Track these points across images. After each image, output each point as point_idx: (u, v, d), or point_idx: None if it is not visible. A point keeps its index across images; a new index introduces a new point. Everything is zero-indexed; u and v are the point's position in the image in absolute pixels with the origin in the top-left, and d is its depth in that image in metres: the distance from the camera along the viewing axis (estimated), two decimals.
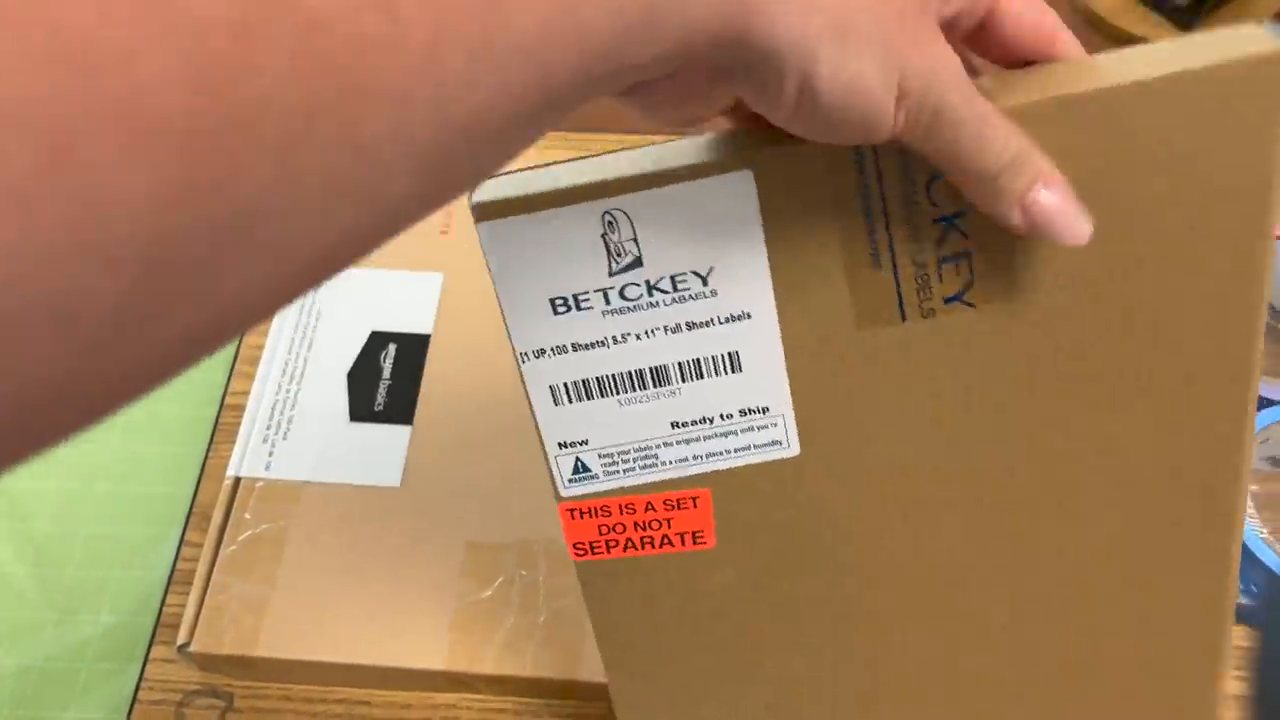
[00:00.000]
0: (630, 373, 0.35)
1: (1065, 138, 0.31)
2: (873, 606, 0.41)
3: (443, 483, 0.55)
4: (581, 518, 0.38)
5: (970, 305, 0.35)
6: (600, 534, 0.38)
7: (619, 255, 0.33)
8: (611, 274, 0.33)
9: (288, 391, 0.59)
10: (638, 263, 0.33)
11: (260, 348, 0.61)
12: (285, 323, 0.61)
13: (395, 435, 0.57)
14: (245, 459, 0.56)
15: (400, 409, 0.58)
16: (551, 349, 0.34)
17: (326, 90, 0.18)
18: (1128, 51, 0.33)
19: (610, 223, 0.32)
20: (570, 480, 0.37)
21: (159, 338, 0.19)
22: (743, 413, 0.36)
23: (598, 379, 0.35)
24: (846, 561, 0.39)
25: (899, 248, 0.34)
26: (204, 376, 0.66)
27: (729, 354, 0.35)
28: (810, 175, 0.32)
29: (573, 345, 0.34)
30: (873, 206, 0.33)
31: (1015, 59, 0.31)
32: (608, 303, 0.34)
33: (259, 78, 0.18)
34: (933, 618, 0.41)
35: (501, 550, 0.53)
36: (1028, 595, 0.40)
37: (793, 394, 0.36)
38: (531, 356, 0.34)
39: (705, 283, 0.34)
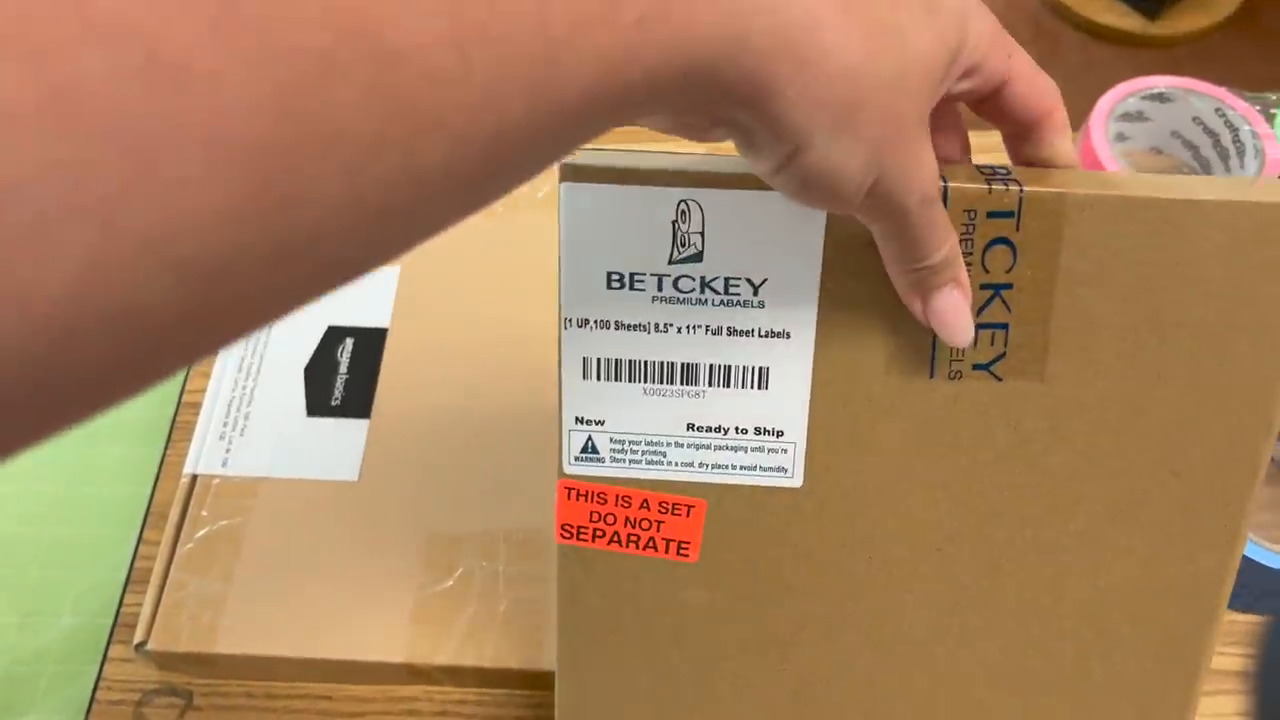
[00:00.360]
0: (662, 363, 0.36)
1: (1117, 238, 0.33)
2: (839, 658, 0.40)
3: (401, 476, 0.55)
4: (577, 499, 0.38)
5: (998, 378, 0.36)
6: (590, 520, 0.38)
7: (683, 245, 0.34)
8: (671, 261, 0.34)
9: (244, 388, 0.58)
10: (698, 257, 0.34)
11: None
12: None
13: (353, 429, 0.57)
14: (202, 456, 0.56)
15: (358, 403, 0.58)
16: (595, 321, 0.35)
17: (395, 122, 0.19)
18: (1189, 178, 0.35)
19: (683, 211, 0.33)
20: (577, 458, 0.37)
21: (206, 342, 0.20)
22: (758, 431, 0.36)
23: (630, 362, 0.36)
24: (820, 608, 0.39)
25: None
26: None
27: (760, 369, 0.35)
28: None
29: (616, 323, 0.35)
30: None
31: (1012, 127, 0.34)
32: (660, 289, 0.34)
33: (338, 108, 0.18)
34: (903, 680, 0.41)
35: (461, 541, 0.53)
36: (1001, 665, 0.40)
37: (809, 425, 0.36)
38: (575, 324, 0.35)
39: (756, 292, 0.34)
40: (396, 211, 0.20)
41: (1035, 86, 0.33)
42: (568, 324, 0.35)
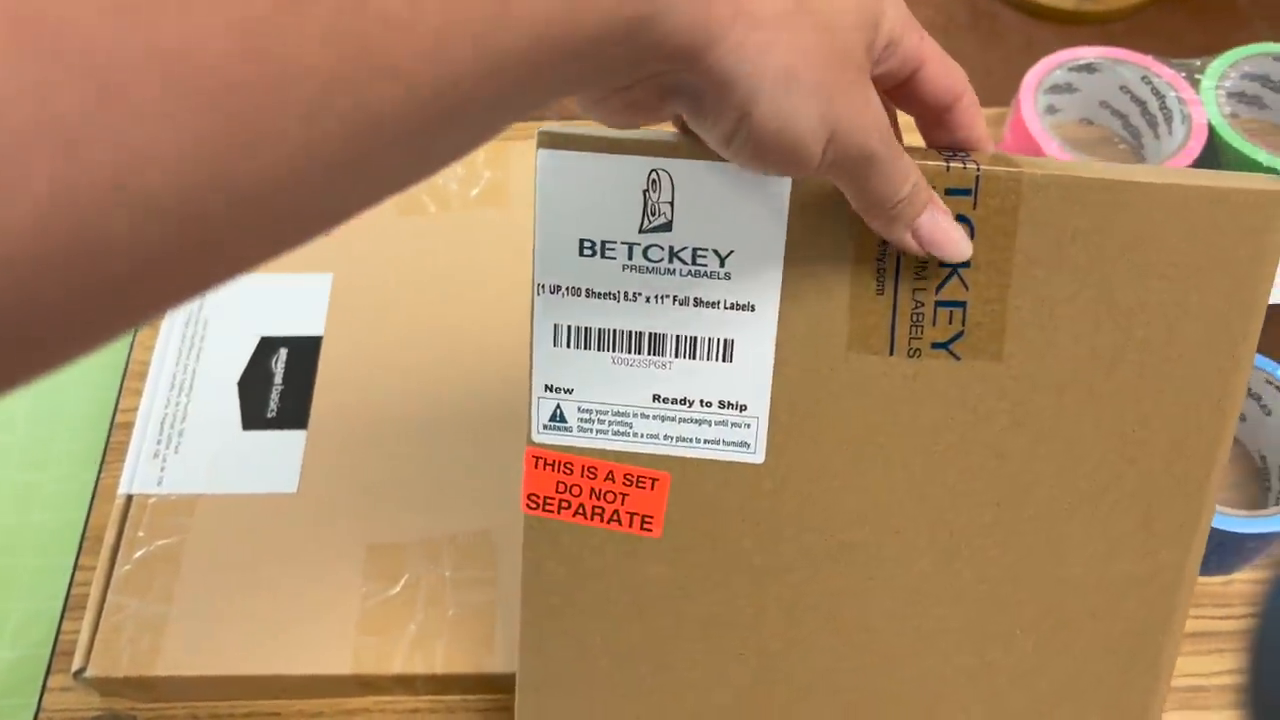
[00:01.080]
0: (630, 333, 0.36)
1: (1072, 219, 0.34)
2: (800, 643, 0.40)
3: (341, 485, 0.54)
4: (545, 468, 0.38)
5: (956, 357, 0.36)
6: (557, 491, 0.38)
7: (653, 214, 0.34)
8: (641, 230, 0.35)
9: (177, 404, 0.57)
10: (667, 226, 0.35)
11: (148, 363, 0.59)
12: (171, 334, 0.60)
13: (290, 441, 0.56)
14: (136, 476, 0.55)
15: (294, 414, 0.57)
16: (567, 288, 0.35)
17: (349, 65, 0.19)
18: (1146, 166, 0.37)
19: (654, 180, 0.34)
20: (545, 426, 0.38)
21: (164, 289, 0.20)
22: (722, 404, 0.37)
23: (599, 331, 0.36)
24: (781, 590, 0.39)
25: (903, 279, 0.35)
26: (94, 396, 0.64)
27: (725, 341, 0.36)
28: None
29: (587, 290, 0.35)
30: None
31: (926, 112, 0.34)
32: (630, 258, 0.35)
33: (295, 45, 0.19)
34: (864, 667, 0.41)
35: (405, 549, 0.52)
36: (961, 656, 0.40)
37: (772, 400, 0.36)
38: (547, 290, 0.36)
39: (722, 264, 0.35)
40: (352, 162, 0.21)
41: (947, 69, 0.33)
42: (540, 290, 0.35)
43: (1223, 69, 0.66)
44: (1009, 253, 0.34)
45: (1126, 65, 0.66)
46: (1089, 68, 0.67)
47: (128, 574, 0.52)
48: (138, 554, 0.52)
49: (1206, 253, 0.34)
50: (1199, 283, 0.35)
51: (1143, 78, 0.66)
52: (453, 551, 0.52)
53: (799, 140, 0.28)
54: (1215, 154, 0.63)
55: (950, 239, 0.33)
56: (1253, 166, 0.61)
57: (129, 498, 0.54)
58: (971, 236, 0.34)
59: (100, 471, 0.58)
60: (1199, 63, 0.66)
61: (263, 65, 0.18)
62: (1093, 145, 0.69)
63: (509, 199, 0.65)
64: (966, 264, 0.34)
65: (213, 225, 0.19)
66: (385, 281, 0.61)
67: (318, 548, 0.52)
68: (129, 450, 0.56)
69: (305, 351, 0.59)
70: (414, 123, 0.21)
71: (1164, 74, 0.65)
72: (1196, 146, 0.62)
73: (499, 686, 0.50)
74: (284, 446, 0.55)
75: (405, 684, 0.50)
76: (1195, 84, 0.65)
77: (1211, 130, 0.63)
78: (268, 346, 0.59)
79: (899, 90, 0.33)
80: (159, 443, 0.56)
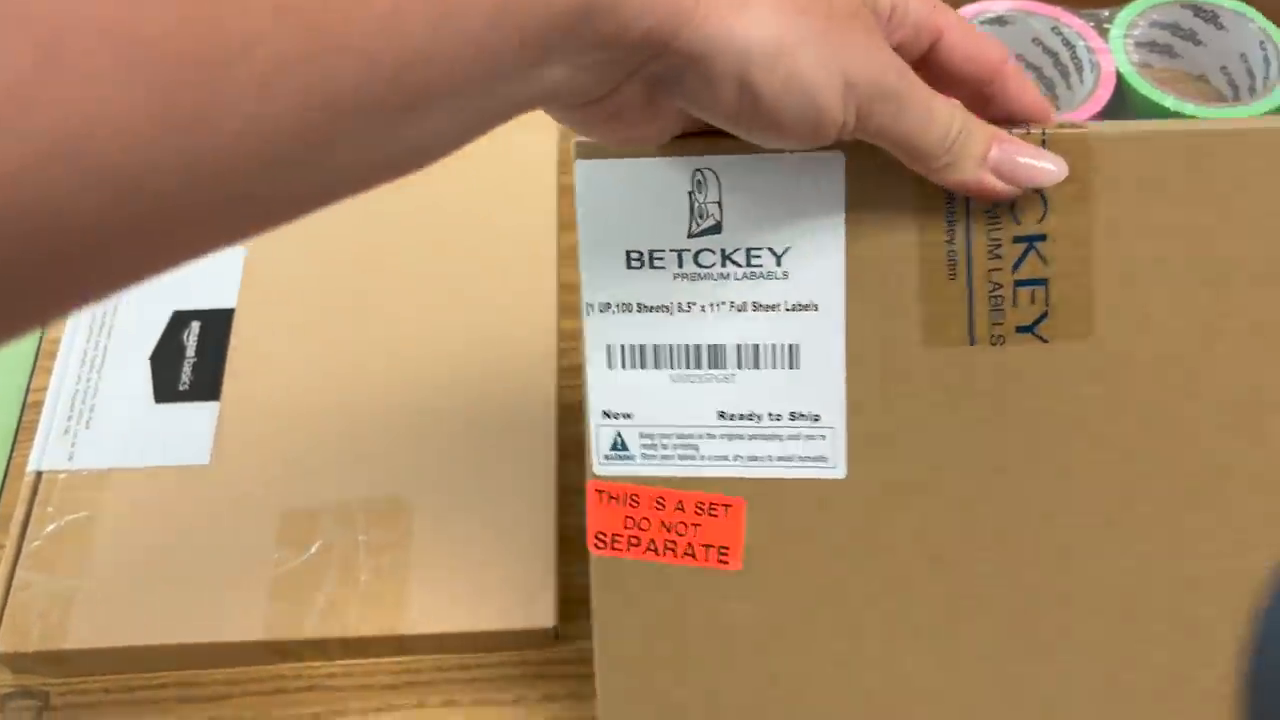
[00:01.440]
0: (688, 346, 0.34)
1: (1154, 178, 0.31)
2: (904, 675, 0.36)
3: (253, 455, 0.54)
4: (609, 502, 0.35)
5: (1043, 339, 0.33)
6: (625, 527, 0.36)
7: (701, 217, 0.33)
8: (690, 235, 0.33)
9: (88, 380, 0.57)
10: (717, 228, 0.33)
11: (60, 341, 0.58)
12: (83, 310, 0.59)
13: (202, 413, 0.55)
14: (46, 452, 0.54)
15: (206, 386, 0.56)
16: (618, 305, 0.34)
17: (302, 40, 0.19)
18: (1219, 118, 0.34)
19: (699, 181, 0.32)
20: (607, 456, 0.35)
21: (117, 267, 0.20)
22: (793, 416, 0.34)
23: (655, 347, 0.34)
24: (877, 617, 0.36)
25: (976, 261, 0.32)
26: (6, 379, 0.63)
27: (789, 346, 0.34)
28: (900, 168, 0.30)
29: (639, 305, 0.34)
30: (956, 210, 0.32)
31: (966, 89, 0.32)
32: (680, 265, 0.33)
33: (244, 18, 0.18)
34: (976, 701, 0.37)
35: (318, 515, 0.52)
36: (1086, 679, 0.36)
37: (848, 407, 0.34)
38: (597, 310, 0.34)
39: (779, 263, 0.33)
40: (311, 141, 0.20)
41: (974, 38, 0.31)
42: (589, 310, 0.34)
43: (1130, 18, 0.66)
44: (1088, 220, 0.32)
45: (1037, 17, 0.66)
46: (1000, 20, 0.67)
47: (37, 549, 0.51)
48: (47, 529, 0.52)
49: None
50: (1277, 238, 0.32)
51: (1053, 28, 0.66)
52: (366, 516, 0.52)
53: (810, 92, 0.26)
54: (1124, 102, 0.63)
55: (1037, 164, 0.30)
56: (1161, 113, 0.62)
57: (38, 474, 0.54)
58: (1045, 206, 0.31)
59: (12, 452, 0.57)
60: (1107, 13, 0.67)
61: (212, 35, 0.18)
62: None
63: (428, 168, 0.64)
64: (1042, 236, 0.32)
65: (167, 201, 0.19)
66: (299, 253, 0.60)
67: (230, 517, 0.52)
68: (39, 428, 0.55)
69: (218, 324, 0.58)
70: (372, 102, 0.21)
71: (1073, 24, 0.65)
72: (1105, 94, 0.62)
73: (413, 648, 0.50)
74: (196, 419, 0.55)
75: (318, 648, 0.50)
76: (1104, 33, 0.65)
77: (1120, 78, 0.63)
78: (180, 320, 0.58)
79: (925, 67, 0.31)
80: (69, 419, 0.55)
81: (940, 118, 0.29)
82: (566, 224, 0.61)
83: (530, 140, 0.64)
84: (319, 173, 0.22)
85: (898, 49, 0.29)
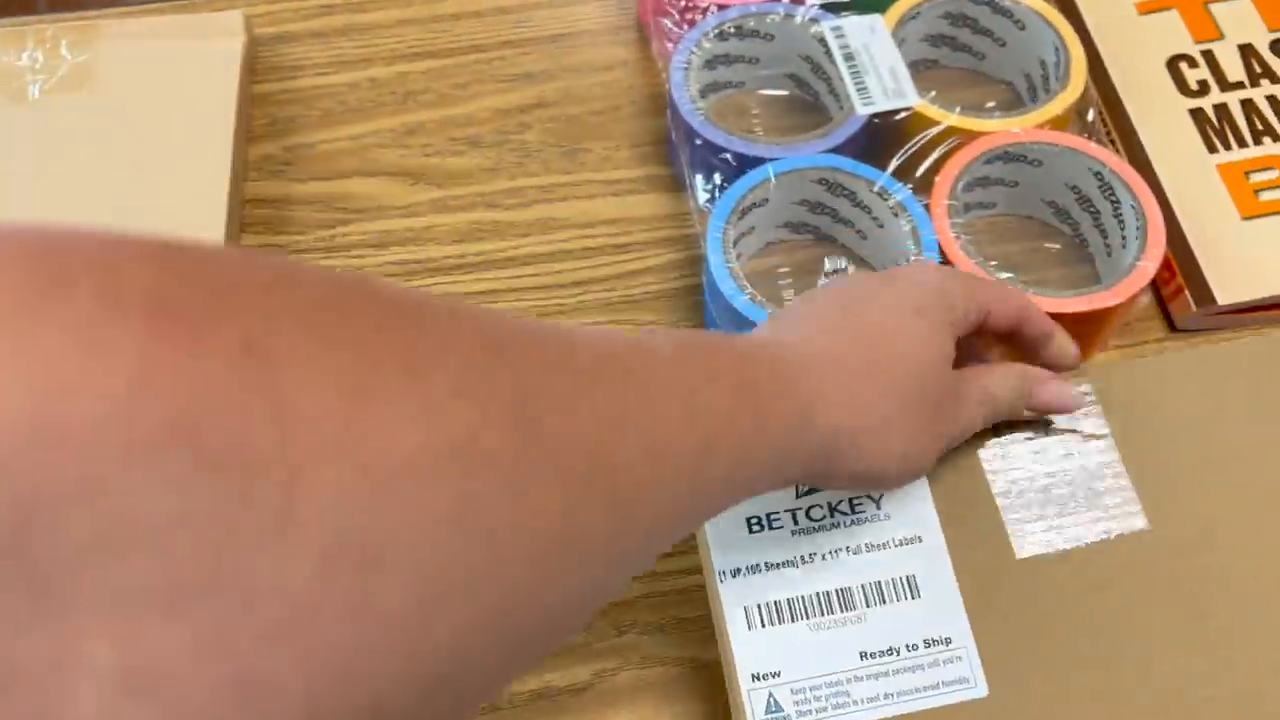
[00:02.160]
0: (818, 594, 0.36)
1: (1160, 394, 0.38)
2: None
3: None
4: None
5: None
6: None
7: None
8: (798, 495, 0.37)
9: None
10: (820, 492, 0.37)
11: None
12: None
13: None
14: None
15: None
16: (747, 568, 0.36)
17: (615, 520, 0.24)
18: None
19: None
20: None
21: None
22: (927, 644, 0.35)
23: (789, 600, 0.36)
24: None
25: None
26: None
27: (907, 578, 0.36)
28: None
29: (765, 564, 0.36)
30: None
31: (1023, 347, 0.39)
32: (795, 522, 0.37)
33: (588, 516, 0.23)
34: None
35: None
36: None
37: (971, 624, 0.35)
38: (729, 576, 0.36)
39: (878, 506, 0.37)
40: (605, 591, 0.25)
41: (1037, 317, 0.38)
42: (722, 578, 0.36)
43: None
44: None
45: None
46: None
47: None
48: None
49: None
50: None
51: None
52: None
53: (876, 485, 0.35)
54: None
55: (1063, 402, 0.38)
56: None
57: None
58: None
59: None
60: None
61: (565, 535, 0.22)
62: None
63: (97, 82, 0.57)
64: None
65: (481, 676, 0.21)
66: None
67: None
68: None
69: None
70: (631, 551, 0.25)
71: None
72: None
73: None
74: None
75: None
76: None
77: None
78: None
79: (1000, 337, 0.39)
80: None
81: (966, 422, 0.37)
82: (257, 136, 0.58)
83: (212, 49, 0.58)
84: (583, 605, 0.25)
85: (979, 331, 0.38)
